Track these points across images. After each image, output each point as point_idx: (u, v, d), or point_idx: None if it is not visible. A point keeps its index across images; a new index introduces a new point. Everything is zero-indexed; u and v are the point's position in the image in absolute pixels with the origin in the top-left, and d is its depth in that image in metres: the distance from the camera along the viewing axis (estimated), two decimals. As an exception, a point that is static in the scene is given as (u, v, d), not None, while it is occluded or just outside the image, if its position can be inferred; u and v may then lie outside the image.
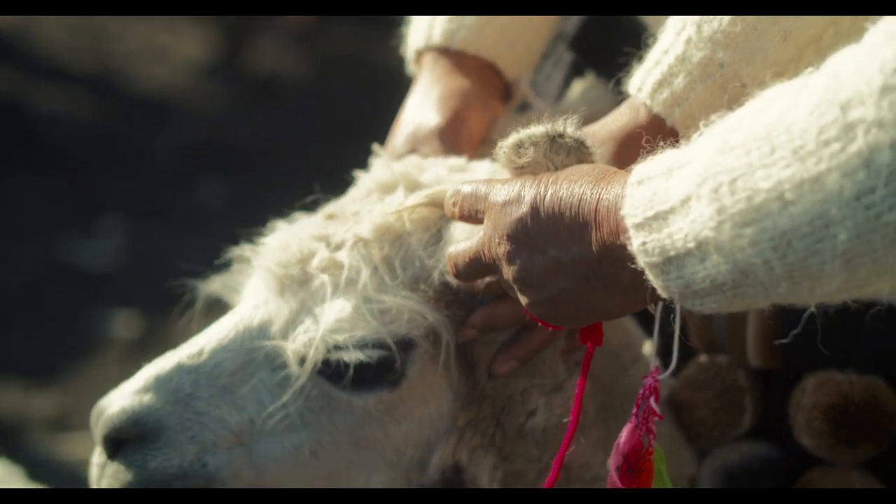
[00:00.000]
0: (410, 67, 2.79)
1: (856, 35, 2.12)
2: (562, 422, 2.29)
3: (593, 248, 1.79)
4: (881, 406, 2.32)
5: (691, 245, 1.62)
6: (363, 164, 2.54)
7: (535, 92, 2.88)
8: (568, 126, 1.95)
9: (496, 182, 1.94)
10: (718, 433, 2.43)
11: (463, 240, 2.21)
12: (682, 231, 1.63)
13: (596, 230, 1.78)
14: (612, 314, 1.94)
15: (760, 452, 2.42)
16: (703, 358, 2.46)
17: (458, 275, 2.08)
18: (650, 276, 1.70)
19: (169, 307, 2.52)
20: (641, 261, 1.70)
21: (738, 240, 1.56)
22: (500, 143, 1.97)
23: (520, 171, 1.95)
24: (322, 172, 2.56)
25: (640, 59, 2.28)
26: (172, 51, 9.65)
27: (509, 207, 1.89)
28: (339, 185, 2.52)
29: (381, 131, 2.79)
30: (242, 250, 2.41)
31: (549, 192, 1.84)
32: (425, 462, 2.34)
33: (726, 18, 2.15)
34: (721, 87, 2.18)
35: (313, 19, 9.99)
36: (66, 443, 5.91)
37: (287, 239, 2.36)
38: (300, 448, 2.31)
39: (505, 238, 1.90)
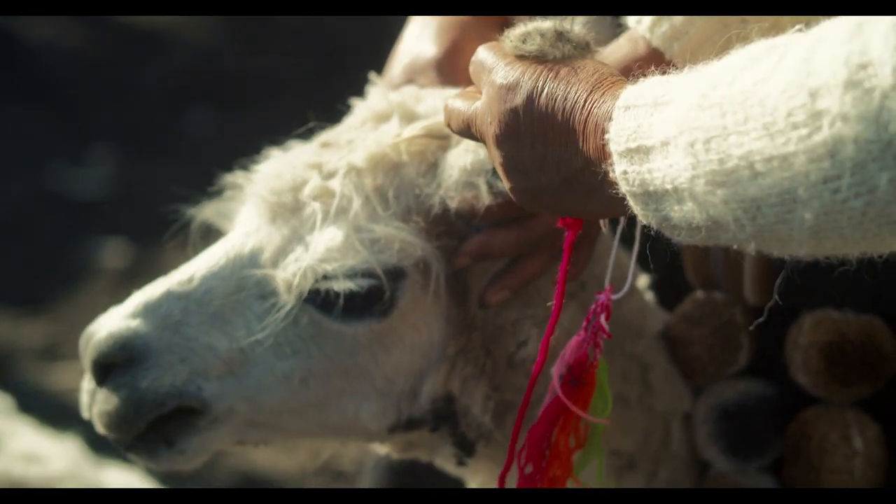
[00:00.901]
0: None
1: None
2: (553, 354, 2.23)
3: (579, 156, 1.80)
4: (877, 345, 2.31)
5: (669, 187, 1.64)
6: (359, 93, 2.52)
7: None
8: (575, 25, 1.93)
9: (502, 59, 1.92)
10: (714, 370, 2.42)
11: (456, 163, 2.21)
12: (661, 171, 1.64)
13: (583, 141, 1.79)
14: (591, 216, 1.98)
15: (756, 390, 2.42)
16: (699, 294, 2.45)
17: (448, 127, 2.06)
18: (630, 202, 1.72)
19: (159, 235, 2.51)
20: (623, 187, 1.71)
21: (711, 196, 1.58)
22: (507, 32, 1.94)
23: (524, 59, 1.93)
24: (316, 101, 2.53)
25: None
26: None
27: (505, 93, 1.88)
28: (333, 113, 2.50)
29: (376, 59, 2.77)
30: (235, 177, 2.39)
31: (546, 89, 1.84)
32: (417, 391, 2.33)
33: None
34: (721, 22, 2.16)
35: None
36: (55, 372, 5.91)
37: (280, 167, 2.35)
38: (290, 376, 2.30)
39: (496, 122, 1.90)
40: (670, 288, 2.48)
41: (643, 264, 2.24)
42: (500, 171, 1.95)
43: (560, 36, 1.91)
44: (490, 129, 1.91)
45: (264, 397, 2.32)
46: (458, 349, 2.31)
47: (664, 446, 2.44)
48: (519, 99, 1.86)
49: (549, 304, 2.24)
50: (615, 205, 1.76)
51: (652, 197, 1.67)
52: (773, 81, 1.49)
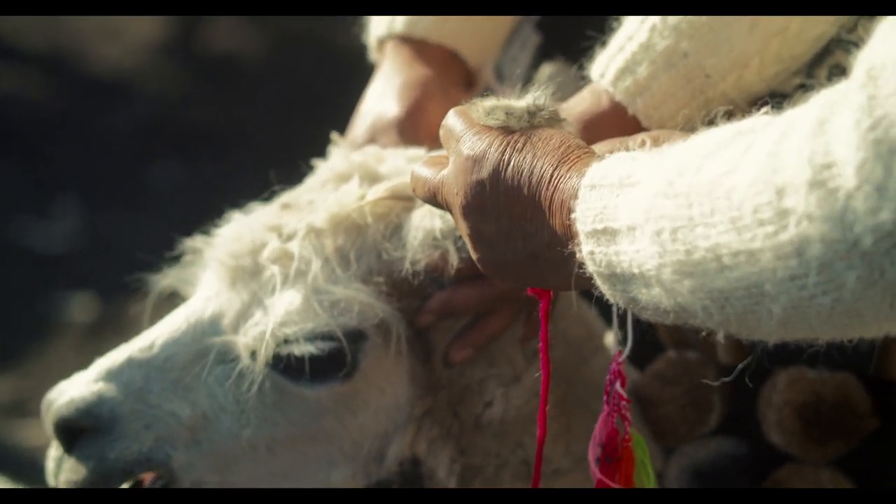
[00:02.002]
0: (372, 55, 2.77)
1: (823, 23, 2.12)
2: (520, 414, 2.29)
3: (545, 232, 1.80)
4: (852, 405, 2.30)
5: (636, 271, 1.63)
6: (320, 145, 2.53)
7: (501, 75, 2.88)
8: (546, 101, 1.92)
9: (470, 127, 1.92)
10: (685, 431, 2.41)
11: (421, 225, 2.21)
12: (628, 255, 1.63)
13: (549, 216, 1.78)
14: (557, 288, 1.95)
15: (728, 449, 2.40)
16: (671, 353, 2.43)
17: (414, 193, 2.05)
18: (597, 281, 1.72)
19: (126, 290, 2.51)
20: (590, 267, 1.71)
21: (678, 285, 1.58)
22: (476, 102, 1.93)
23: (491, 128, 1.91)
24: (279, 153, 2.54)
25: (604, 43, 2.26)
26: (126, 30, 9.58)
27: (472, 164, 1.87)
28: (295, 167, 2.50)
29: (338, 111, 2.77)
30: (196, 242, 2.39)
31: (512, 163, 1.83)
32: (384, 454, 2.32)
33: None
34: (685, 77, 2.17)
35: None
36: (23, 428, 5.87)
37: (240, 229, 2.35)
38: (256, 445, 2.29)
39: (462, 193, 1.89)
40: (642, 344, 2.45)
41: (611, 320, 2.26)
42: (467, 242, 1.94)
43: (530, 115, 1.90)
44: (456, 199, 1.90)
45: (232, 467, 2.30)
46: (425, 410, 2.29)
47: None
48: (485, 172, 1.85)
49: (514, 363, 2.27)
50: (581, 281, 1.75)
51: (619, 279, 1.67)
52: (739, 174, 1.48)
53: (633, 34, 2.20)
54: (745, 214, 1.47)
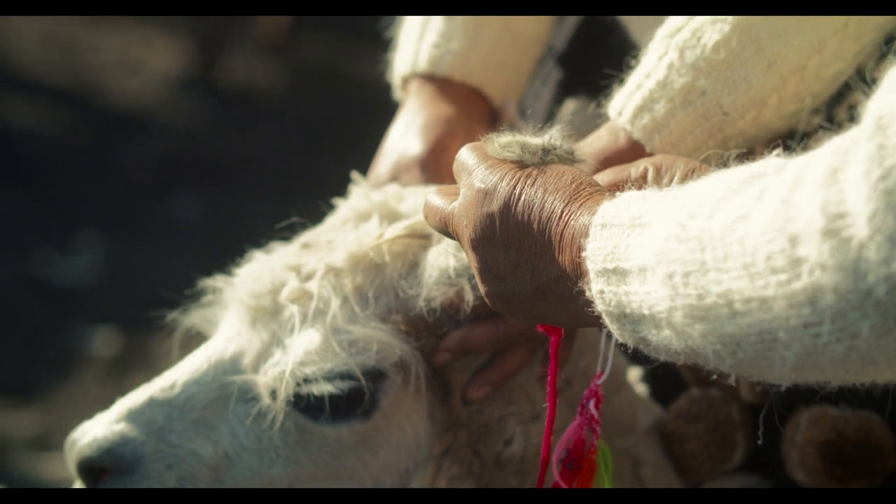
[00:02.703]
0: (397, 93, 2.79)
1: (840, 61, 2.13)
2: (539, 451, 2.26)
3: (553, 268, 1.80)
4: (876, 443, 2.30)
5: (646, 312, 1.64)
6: (339, 178, 2.54)
7: (524, 110, 2.88)
8: (562, 141, 1.94)
9: (483, 161, 1.93)
10: (709, 468, 2.41)
11: (436, 263, 2.22)
12: (638, 297, 1.64)
13: (559, 252, 1.79)
14: (564, 325, 1.97)
15: (753, 486, 2.40)
16: (695, 391, 2.43)
17: (427, 223, 2.05)
18: (606, 320, 1.72)
19: (147, 323, 2.52)
20: (599, 306, 1.71)
21: (689, 329, 1.58)
22: (492, 137, 1.95)
23: (504, 162, 1.93)
24: (298, 186, 2.56)
25: (622, 81, 2.27)
26: (146, 63, 9.63)
27: (483, 197, 1.88)
28: (314, 200, 2.53)
29: (356, 143, 2.78)
30: (216, 282, 2.41)
31: (523, 197, 1.84)
32: None
33: (710, 45, 2.15)
34: (702, 115, 2.18)
35: (286, 30, 9.97)
36: (46, 462, 5.87)
37: (260, 269, 2.37)
38: (278, 483, 2.30)
39: (472, 226, 1.89)
40: (665, 379, 2.46)
41: (636, 356, 2.25)
42: (475, 274, 1.95)
43: (544, 152, 1.91)
44: (466, 231, 1.91)
45: None
46: (444, 449, 2.30)
47: None
48: (496, 205, 1.86)
49: (533, 401, 2.28)
50: (588, 318, 1.75)
51: (629, 319, 1.67)
52: (752, 221, 1.49)
53: (650, 71, 2.21)
54: (758, 261, 1.47)
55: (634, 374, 2.52)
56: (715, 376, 2.34)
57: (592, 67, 2.37)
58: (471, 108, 2.65)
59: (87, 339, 6.90)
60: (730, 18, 2.15)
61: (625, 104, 2.23)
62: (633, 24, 2.34)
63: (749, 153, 1.78)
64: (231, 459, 2.30)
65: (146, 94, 9.33)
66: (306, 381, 2.25)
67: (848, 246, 1.39)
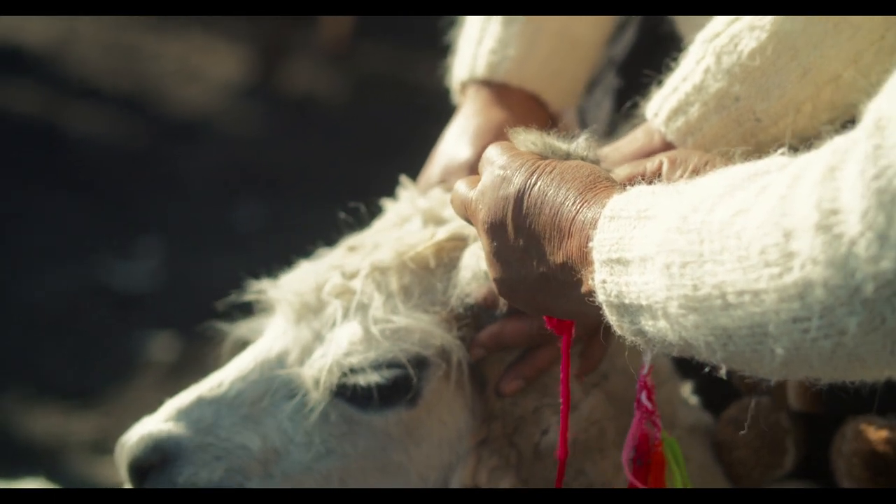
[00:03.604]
0: (455, 98, 2.81)
1: (876, 73, 2.12)
2: (578, 441, 2.31)
3: (560, 253, 1.83)
4: None
5: (644, 303, 1.66)
6: (397, 185, 2.58)
7: (585, 119, 2.91)
8: (588, 151, 1.98)
9: (507, 151, 1.97)
10: (759, 474, 2.41)
11: (469, 263, 2.27)
12: (637, 287, 1.66)
13: (567, 239, 1.81)
14: (566, 315, 2.00)
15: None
16: (745, 399, 2.43)
17: (454, 209, 2.09)
18: (605, 311, 1.74)
19: (206, 330, 2.57)
20: (600, 296, 1.74)
21: (683, 319, 1.60)
22: (521, 132, 2.00)
23: (526, 154, 1.98)
24: (359, 195, 2.56)
25: (660, 83, 2.29)
26: (207, 71, 9.69)
27: (500, 181, 1.93)
28: (374, 206, 2.56)
29: (416, 152, 2.79)
30: (263, 286, 2.45)
31: (539, 183, 1.88)
32: (447, 485, 2.35)
33: (746, 51, 2.16)
34: (735, 121, 2.19)
35: (346, 38, 10.00)
36: (104, 465, 5.91)
37: (305, 271, 2.42)
38: (329, 477, 2.33)
39: (487, 208, 1.94)
40: (717, 392, 2.46)
41: (685, 368, 2.23)
42: (486, 258, 1.98)
43: (567, 156, 1.95)
44: (480, 214, 1.95)
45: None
46: (481, 440, 2.32)
47: None
48: (512, 189, 1.90)
49: (571, 395, 2.24)
50: (589, 309, 1.78)
51: (628, 310, 1.70)
52: (750, 215, 1.51)
53: (687, 75, 2.22)
54: (752, 254, 1.49)
55: (686, 386, 2.52)
56: (765, 382, 2.37)
57: (652, 77, 2.36)
58: (527, 115, 2.64)
59: (147, 345, 6.95)
60: (768, 26, 2.15)
61: (661, 106, 2.25)
62: (691, 33, 2.34)
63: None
64: (280, 454, 2.33)
65: (207, 101, 9.38)
66: (351, 371, 2.28)
67: (839, 242, 1.40)
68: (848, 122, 2.19)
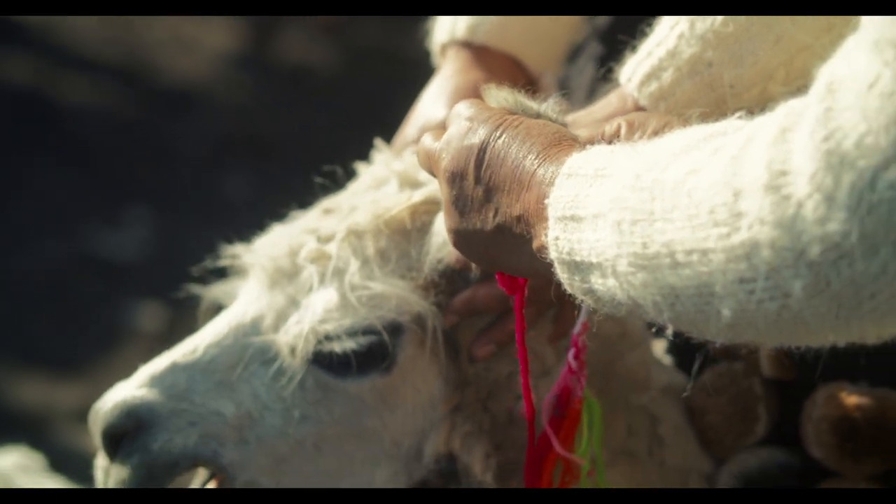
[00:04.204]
0: (435, 60, 2.79)
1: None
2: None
3: (518, 206, 1.82)
4: (891, 421, 2.29)
5: (594, 260, 1.66)
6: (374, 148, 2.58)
7: (569, 86, 2.90)
8: (557, 114, 1.99)
9: (475, 104, 1.98)
10: (731, 440, 2.41)
11: (439, 230, 2.26)
12: (588, 244, 1.66)
13: (526, 190, 1.81)
14: (517, 271, 1.98)
15: (780, 459, 2.39)
16: (720, 364, 2.43)
17: (419, 163, 2.09)
18: (557, 269, 1.74)
19: (194, 299, 2.56)
20: (552, 253, 1.74)
21: (632, 277, 1.60)
22: (492, 87, 2.00)
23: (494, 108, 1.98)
24: (350, 164, 2.55)
25: (635, 48, 2.28)
26: (200, 42, 9.64)
27: (466, 131, 1.93)
28: (352, 171, 2.56)
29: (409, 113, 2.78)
30: (237, 250, 2.44)
31: (504, 137, 1.88)
32: (421, 451, 2.35)
33: (720, 18, 2.15)
34: (708, 86, 2.19)
35: (341, 10, 9.96)
36: (89, 436, 5.89)
37: (279, 235, 2.40)
38: (303, 442, 2.33)
39: (450, 157, 1.93)
40: (693, 357, 2.42)
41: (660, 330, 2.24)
42: (444, 207, 1.98)
43: (537, 115, 1.96)
44: (443, 164, 1.95)
45: (283, 467, 2.34)
46: (454, 406, 2.33)
47: None
48: (476, 139, 1.90)
49: (542, 358, 2.32)
50: (540, 265, 1.78)
51: (578, 267, 1.69)
52: (702, 174, 1.51)
53: (661, 40, 2.22)
54: (701, 213, 1.49)
55: (658, 346, 2.52)
56: (739, 348, 2.37)
57: (632, 44, 2.36)
58: (506, 77, 2.60)
59: (135, 314, 6.94)
60: None
61: (634, 71, 2.25)
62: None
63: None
64: (254, 419, 2.32)
65: (199, 71, 9.35)
66: (327, 338, 2.28)
67: (787, 203, 1.40)
68: None
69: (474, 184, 1.89)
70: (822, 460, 2.33)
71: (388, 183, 2.44)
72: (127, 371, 2.40)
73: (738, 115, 1.66)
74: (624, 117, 2.06)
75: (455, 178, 1.92)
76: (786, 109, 1.46)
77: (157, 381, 2.31)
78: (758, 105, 2.18)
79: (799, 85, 2.17)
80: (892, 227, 1.36)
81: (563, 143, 1.83)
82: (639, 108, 2.23)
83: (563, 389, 2.09)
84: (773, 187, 1.41)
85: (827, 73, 1.42)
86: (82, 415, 2.32)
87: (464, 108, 1.98)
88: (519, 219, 1.83)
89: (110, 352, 6.62)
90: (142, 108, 8.95)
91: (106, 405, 2.31)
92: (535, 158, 1.82)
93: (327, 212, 2.42)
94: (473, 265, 2.25)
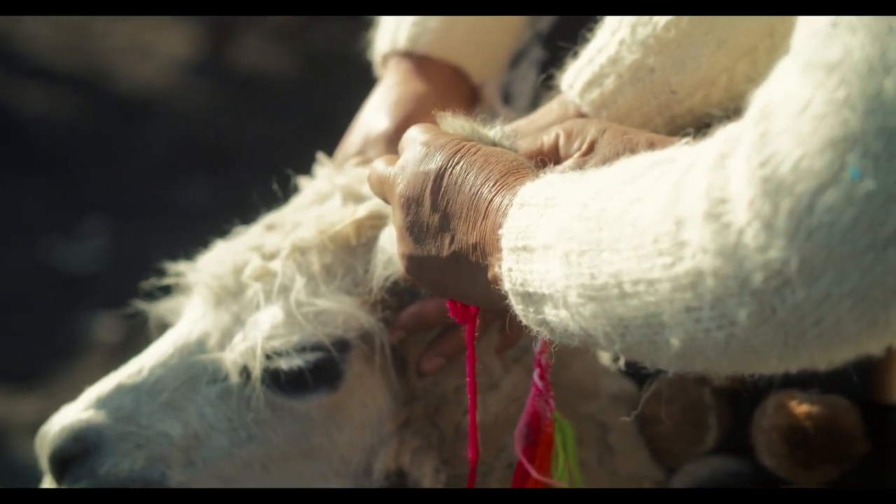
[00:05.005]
0: (377, 71, 2.78)
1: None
2: (499, 420, 2.31)
3: (474, 234, 1.81)
4: (842, 428, 2.27)
5: (546, 291, 1.65)
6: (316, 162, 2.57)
7: (511, 92, 2.89)
8: (510, 141, 1.98)
9: (430, 130, 1.96)
10: (680, 449, 2.39)
11: (383, 246, 2.25)
12: (540, 275, 1.65)
13: (483, 218, 1.80)
14: (471, 299, 1.97)
15: (731, 468, 2.38)
16: (670, 373, 2.36)
17: (370, 188, 2.07)
18: (511, 300, 1.73)
19: (145, 314, 2.53)
20: (506, 284, 1.73)
21: (582, 308, 1.59)
22: (446, 116, 1.99)
23: (450, 134, 1.97)
24: (308, 171, 2.53)
25: (576, 54, 2.27)
26: (156, 48, 9.62)
27: (422, 157, 1.91)
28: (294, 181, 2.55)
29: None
30: (180, 268, 2.43)
31: (461, 164, 1.86)
32: (371, 468, 2.34)
33: (661, 23, 2.14)
34: (651, 93, 2.18)
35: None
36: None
37: (223, 253, 2.38)
38: (251, 463, 2.31)
39: (405, 182, 1.92)
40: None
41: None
42: (396, 233, 1.96)
43: (493, 143, 1.94)
44: (397, 188, 1.93)
45: (231, 485, 2.31)
46: (402, 421, 2.31)
47: None
48: (433, 165, 1.88)
49: (490, 371, 2.30)
50: (495, 296, 1.77)
51: (531, 298, 1.68)
52: (646, 203, 1.49)
53: (602, 46, 2.20)
54: (646, 243, 1.47)
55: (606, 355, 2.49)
56: None
57: (574, 50, 2.34)
58: (448, 86, 2.64)
59: (93, 325, 6.90)
60: None
61: (576, 77, 2.23)
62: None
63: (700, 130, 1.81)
64: (201, 440, 2.30)
65: (156, 78, 9.34)
66: (275, 355, 2.26)
67: (728, 231, 1.39)
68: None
69: (430, 210, 1.88)
70: (774, 469, 2.31)
71: (331, 197, 2.42)
72: (85, 382, 2.39)
73: (684, 141, 1.68)
74: (561, 126, 2.05)
75: (410, 204, 1.91)
76: (724, 134, 1.45)
77: (103, 404, 2.29)
78: (703, 110, 2.19)
79: (744, 91, 2.15)
80: (832, 252, 1.34)
81: (519, 171, 1.82)
82: (581, 115, 2.22)
83: (533, 415, 2.07)
84: (713, 215, 1.40)
85: (761, 97, 1.42)
86: (38, 427, 2.29)
87: (418, 133, 1.96)
88: (475, 247, 1.82)
89: (69, 363, 6.60)
90: (99, 116, 8.92)
91: (53, 428, 2.29)
92: (493, 187, 1.81)
93: (270, 228, 2.40)
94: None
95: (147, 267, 2.52)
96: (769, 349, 1.43)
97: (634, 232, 1.49)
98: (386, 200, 2.01)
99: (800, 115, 1.36)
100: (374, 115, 2.62)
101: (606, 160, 1.93)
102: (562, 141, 2.03)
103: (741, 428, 2.35)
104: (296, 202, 2.47)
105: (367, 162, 2.53)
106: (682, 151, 1.54)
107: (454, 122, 1.97)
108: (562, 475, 2.10)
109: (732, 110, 2.19)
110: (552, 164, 1.97)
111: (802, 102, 1.36)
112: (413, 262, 1.94)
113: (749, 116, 1.41)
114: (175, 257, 2.46)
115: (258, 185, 2.54)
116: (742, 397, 2.33)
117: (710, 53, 2.14)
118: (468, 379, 2.08)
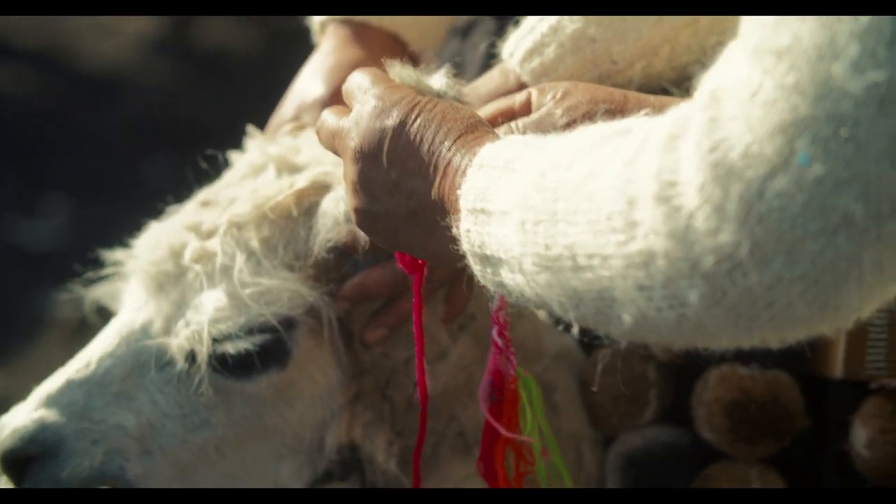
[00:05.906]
0: (315, 38, 2.78)
1: (731, 19, 2.08)
2: (448, 389, 2.32)
3: (432, 191, 1.81)
4: (783, 402, 2.28)
5: (503, 256, 1.66)
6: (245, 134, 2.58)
7: (463, 62, 2.86)
8: (455, 90, 1.99)
9: (383, 81, 1.95)
10: (617, 421, 2.39)
11: (328, 209, 2.23)
12: (497, 239, 1.66)
13: (442, 177, 1.80)
14: (428, 256, 1.97)
15: (666, 439, 2.38)
16: (619, 343, 2.39)
17: (319, 140, 2.04)
18: (469, 260, 1.75)
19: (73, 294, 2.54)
20: (464, 244, 1.74)
21: (536, 277, 1.60)
22: (397, 65, 1.97)
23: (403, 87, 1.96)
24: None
25: (518, 23, 2.26)
26: (120, 26, 9.57)
27: (379, 112, 1.89)
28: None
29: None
30: (116, 254, 2.41)
31: (420, 119, 1.85)
32: (323, 443, 2.32)
33: None
34: (592, 62, 2.18)
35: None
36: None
37: (158, 235, 2.35)
38: (205, 448, 2.29)
39: (360, 137, 1.90)
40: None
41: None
42: (347, 189, 1.94)
43: (439, 96, 1.94)
44: (351, 143, 1.91)
45: (188, 475, 2.30)
46: (352, 395, 2.30)
47: (578, 467, 2.41)
48: (391, 121, 1.86)
49: (437, 341, 2.29)
50: (451, 253, 1.77)
51: (489, 260, 1.69)
52: (601, 178, 1.50)
53: (543, 16, 2.20)
54: (600, 219, 1.48)
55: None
56: None
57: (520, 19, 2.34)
58: (385, 54, 2.54)
59: (54, 303, 6.88)
60: None
61: (517, 46, 2.23)
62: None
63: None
64: (155, 428, 2.28)
65: (119, 56, 9.29)
66: (221, 338, 2.24)
67: (678, 214, 1.40)
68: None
69: (388, 166, 1.86)
70: (714, 443, 2.32)
71: (265, 170, 2.39)
72: (45, 361, 2.34)
73: (644, 112, 1.68)
74: (534, 87, 2.06)
75: (365, 159, 1.89)
76: (676, 114, 1.45)
77: (54, 401, 2.26)
78: (643, 81, 2.19)
79: (686, 61, 2.19)
80: (782, 237, 1.35)
81: (477, 129, 1.82)
82: (521, 84, 2.22)
83: (495, 373, 2.04)
84: (664, 198, 1.41)
85: (710, 81, 1.42)
86: (1, 405, 2.26)
87: (367, 83, 1.94)
88: (434, 205, 1.81)
89: (29, 341, 6.57)
90: (61, 94, 8.88)
91: (4, 430, 2.25)
92: (452, 145, 1.80)
93: (205, 204, 2.38)
94: (361, 246, 2.22)
95: (109, 245, 2.49)
96: (721, 329, 1.44)
97: (590, 207, 1.50)
98: (336, 153, 1.98)
99: (750, 101, 1.36)
100: (309, 82, 2.62)
101: (580, 105, 1.97)
102: (534, 97, 2.05)
103: (681, 399, 2.36)
104: (229, 176, 2.45)
105: (301, 128, 2.53)
106: (640, 123, 1.55)
107: (402, 72, 1.96)
108: (531, 430, 2.08)
109: (676, 82, 2.20)
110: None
111: (752, 88, 1.36)
112: (366, 217, 1.93)
113: (698, 100, 1.41)
114: (136, 235, 2.42)
115: (222, 163, 2.51)
116: (684, 368, 2.33)
117: (651, 24, 2.14)
118: (415, 327, 2.07)
